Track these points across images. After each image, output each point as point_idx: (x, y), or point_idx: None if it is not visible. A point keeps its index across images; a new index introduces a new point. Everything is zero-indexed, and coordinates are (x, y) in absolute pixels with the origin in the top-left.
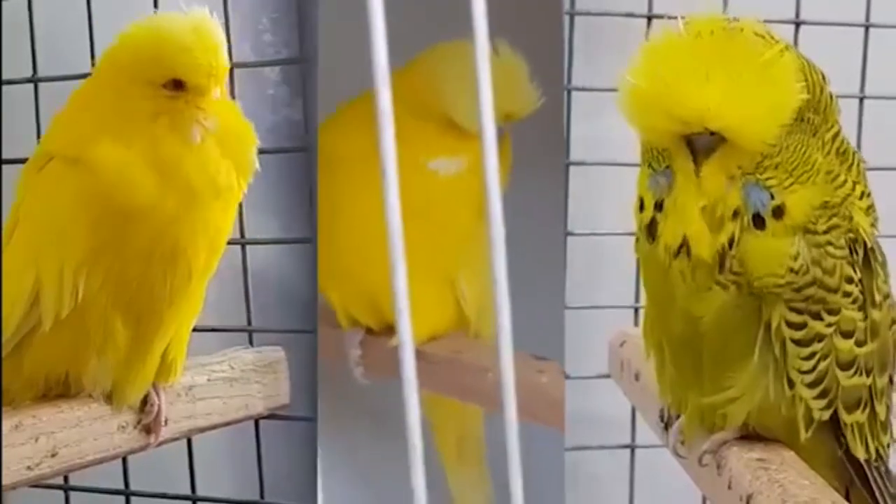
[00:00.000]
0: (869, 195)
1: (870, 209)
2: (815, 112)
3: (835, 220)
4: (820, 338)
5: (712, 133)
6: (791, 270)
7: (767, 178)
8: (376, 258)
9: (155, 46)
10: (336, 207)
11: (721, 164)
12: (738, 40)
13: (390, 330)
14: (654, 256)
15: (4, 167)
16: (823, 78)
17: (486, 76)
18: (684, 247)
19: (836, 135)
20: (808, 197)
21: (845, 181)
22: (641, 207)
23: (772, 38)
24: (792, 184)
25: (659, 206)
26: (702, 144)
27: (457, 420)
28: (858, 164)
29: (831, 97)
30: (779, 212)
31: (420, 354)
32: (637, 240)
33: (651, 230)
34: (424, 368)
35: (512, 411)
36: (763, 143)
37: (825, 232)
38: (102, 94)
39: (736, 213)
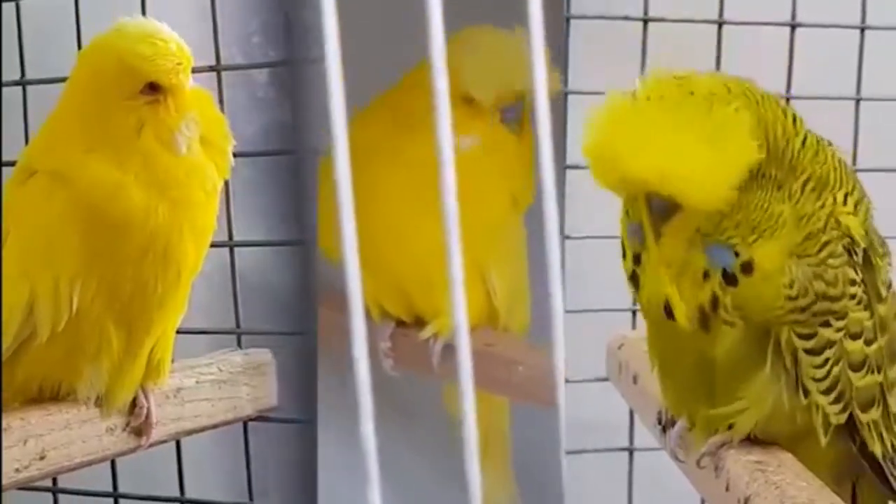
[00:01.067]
0: (853, 190)
1: (858, 205)
2: (777, 166)
3: (824, 238)
4: (830, 344)
5: (664, 196)
6: (789, 298)
7: (729, 238)
8: (408, 248)
9: (116, 63)
10: (367, 199)
11: (679, 228)
12: (688, 104)
13: (421, 322)
14: (645, 306)
15: None
16: (795, 123)
17: (541, 61)
18: (668, 309)
19: (809, 178)
20: (776, 248)
21: (825, 203)
22: (624, 254)
23: (728, 93)
24: (756, 239)
25: (637, 260)
26: (658, 208)
27: (483, 415)
28: (839, 171)
29: (805, 141)
30: (748, 267)
31: (452, 348)
32: None
33: (634, 280)
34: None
35: (561, 399)
36: (714, 205)
37: (820, 251)
38: (78, 115)
39: (706, 274)
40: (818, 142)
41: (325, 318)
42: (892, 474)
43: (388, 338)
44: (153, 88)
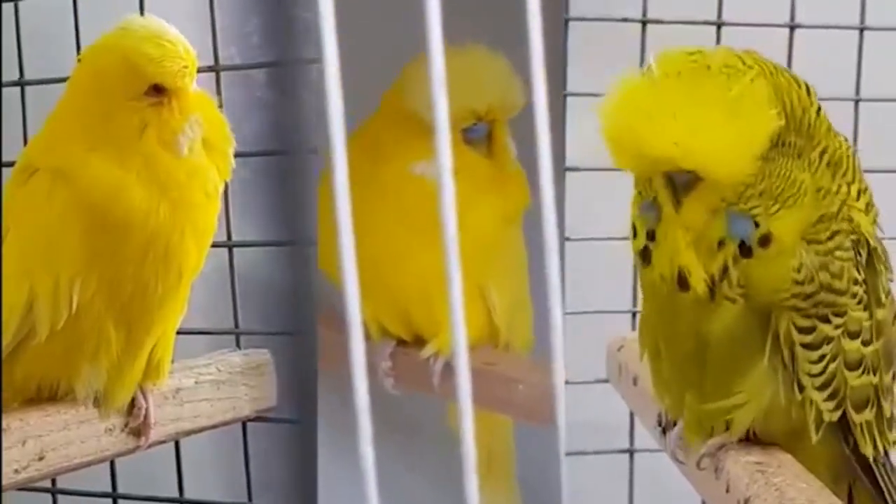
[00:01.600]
0: (865, 190)
1: (868, 206)
2: (797, 134)
3: (835, 227)
4: (828, 340)
5: (689, 171)
6: (796, 282)
7: (752, 207)
8: (407, 267)
9: (122, 63)
10: (362, 221)
11: (702, 199)
12: (705, 78)
13: (421, 341)
14: (653, 279)
15: None
16: (809, 93)
17: (540, 67)
18: (681, 278)
19: (825, 150)
20: (796, 219)
21: (839, 188)
22: (634, 234)
23: (743, 65)
24: (778, 209)
25: (651, 236)
26: (680, 181)
27: (487, 432)
28: (852, 162)
29: (818, 112)
30: (765, 240)
31: (453, 366)
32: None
33: (645, 256)
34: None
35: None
36: (739, 175)
37: (829, 239)
38: (81, 113)
39: (721, 243)
40: (831, 125)
41: (326, 338)
42: (882, 478)
43: (388, 356)
44: (158, 90)
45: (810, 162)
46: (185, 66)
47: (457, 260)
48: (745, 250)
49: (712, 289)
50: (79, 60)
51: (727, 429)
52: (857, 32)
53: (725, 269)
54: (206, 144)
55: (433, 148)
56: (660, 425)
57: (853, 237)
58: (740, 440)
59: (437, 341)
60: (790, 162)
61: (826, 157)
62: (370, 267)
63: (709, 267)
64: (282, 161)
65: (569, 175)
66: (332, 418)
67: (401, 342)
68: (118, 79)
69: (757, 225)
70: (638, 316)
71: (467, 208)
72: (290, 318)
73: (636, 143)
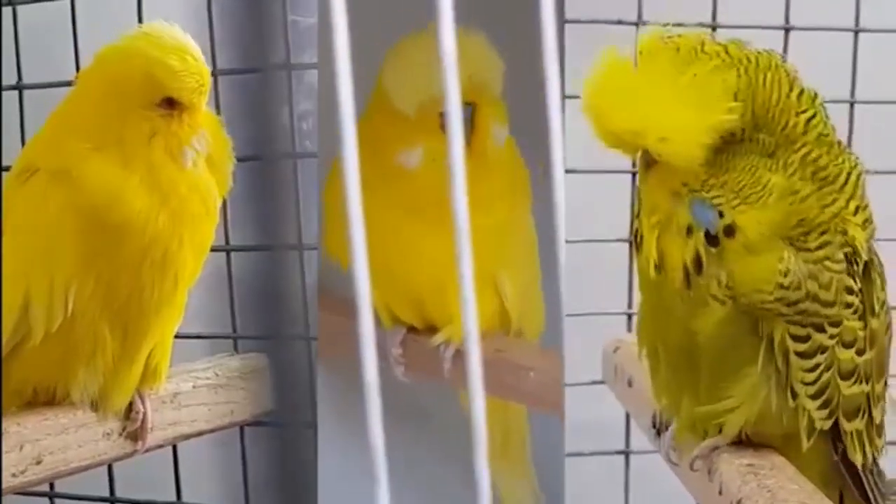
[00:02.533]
0: (865, 208)
1: (866, 222)
2: (768, 133)
3: (826, 237)
4: (823, 349)
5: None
6: (781, 286)
7: (714, 197)
8: (420, 256)
9: (143, 71)
10: (374, 208)
11: (663, 179)
12: (667, 59)
13: (432, 329)
14: (643, 267)
15: None
16: (801, 97)
17: (554, 66)
18: (661, 262)
19: (809, 155)
20: (759, 217)
21: (834, 200)
22: (634, 223)
23: (714, 53)
24: (739, 204)
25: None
26: (648, 158)
27: (502, 413)
28: (856, 180)
29: (812, 118)
30: (730, 230)
31: (464, 354)
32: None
33: (637, 242)
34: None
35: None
36: (688, 160)
37: (818, 248)
38: (90, 112)
39: (690, 230)
40: (839, 143)
41: (337, 325)
42: (870, 486)
43: (399, 344)
44: (170, 103)
45: (786, 164)
46: (202, 85)
47: (468, 246)
48: (710, 239)
49: (688, 278)
50: (94, 58)
51: (720, 431)
52: (851, 34)
53: (699, 259)
54: (209, 161)
55: (416, 137)
56: (654, 426)
57: (847, 250)
58: (733, 442)
59: (448, 329)
60: (757, 159)
61: (812, 166)
62: (380, 254)
63: (682, 253)
64: (275, 165)
65: (566, 177)
66: (340, 415)
67: (412, 329)
68: (135, 85)
69: (721, 215)
70: (634, 318)
71: (473, 195)
72: (289, 321)
73: (603, 117)
